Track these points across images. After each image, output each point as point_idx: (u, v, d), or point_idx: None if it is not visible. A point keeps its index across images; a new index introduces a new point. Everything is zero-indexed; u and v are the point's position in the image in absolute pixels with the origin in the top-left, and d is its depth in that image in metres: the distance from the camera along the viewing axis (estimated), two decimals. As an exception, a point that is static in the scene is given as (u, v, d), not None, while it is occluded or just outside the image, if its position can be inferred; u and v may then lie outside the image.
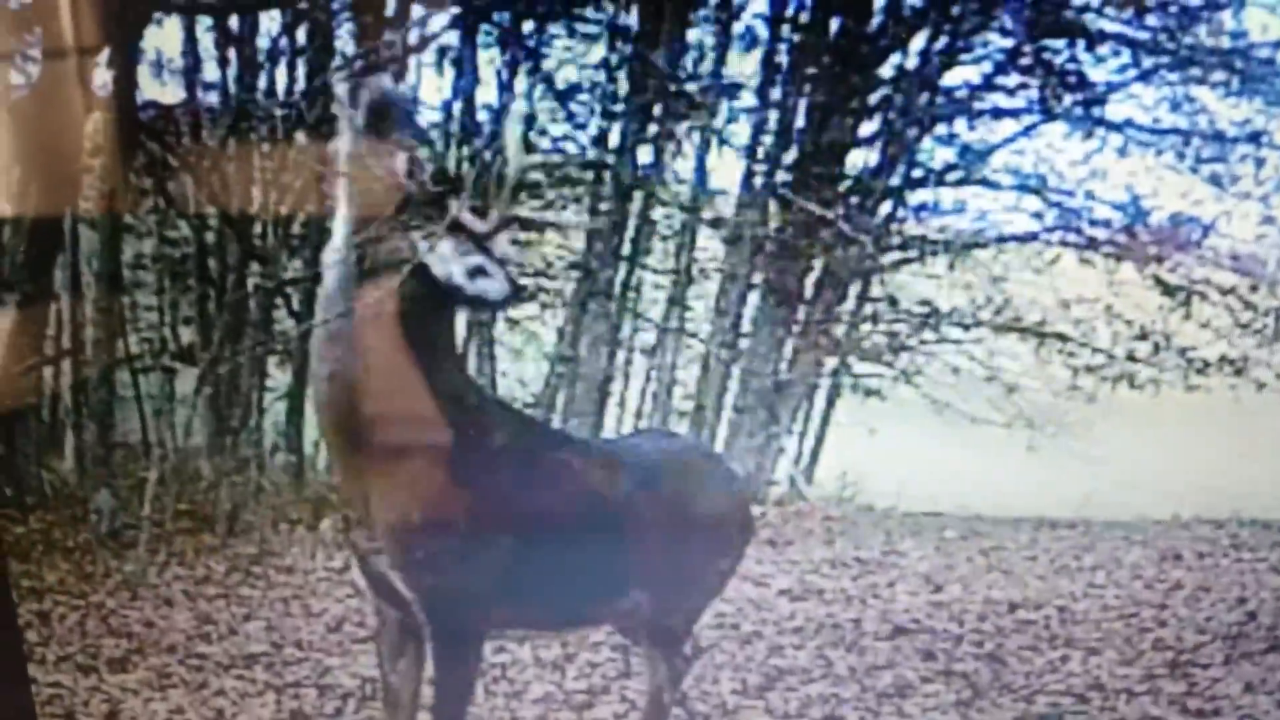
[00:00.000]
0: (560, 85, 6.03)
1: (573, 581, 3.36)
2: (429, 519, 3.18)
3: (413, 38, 5.70)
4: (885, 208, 6.38)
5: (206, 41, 5.65)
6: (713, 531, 3.65)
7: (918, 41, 6.19)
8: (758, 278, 6.23)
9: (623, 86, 5.98)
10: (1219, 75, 6.16)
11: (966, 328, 6.44)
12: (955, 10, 6.16)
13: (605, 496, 3.48)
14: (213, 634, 4.76)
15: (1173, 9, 6.15)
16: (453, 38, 5.79)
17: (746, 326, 6.25)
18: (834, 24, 6.10)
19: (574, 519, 3.37)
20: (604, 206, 5.98)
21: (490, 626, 3.56)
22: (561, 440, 4.39)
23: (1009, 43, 6.23)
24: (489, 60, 5.93)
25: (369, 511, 3.21)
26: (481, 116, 5.87)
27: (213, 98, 5.68)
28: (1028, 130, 6.33)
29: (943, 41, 6.21)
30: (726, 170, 6.21)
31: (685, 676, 3.85)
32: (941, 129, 6.36)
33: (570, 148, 6.09)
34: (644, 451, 3.98)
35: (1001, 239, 6.42)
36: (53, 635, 4.63)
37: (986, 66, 6.29)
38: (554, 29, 6.00)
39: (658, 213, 6.22)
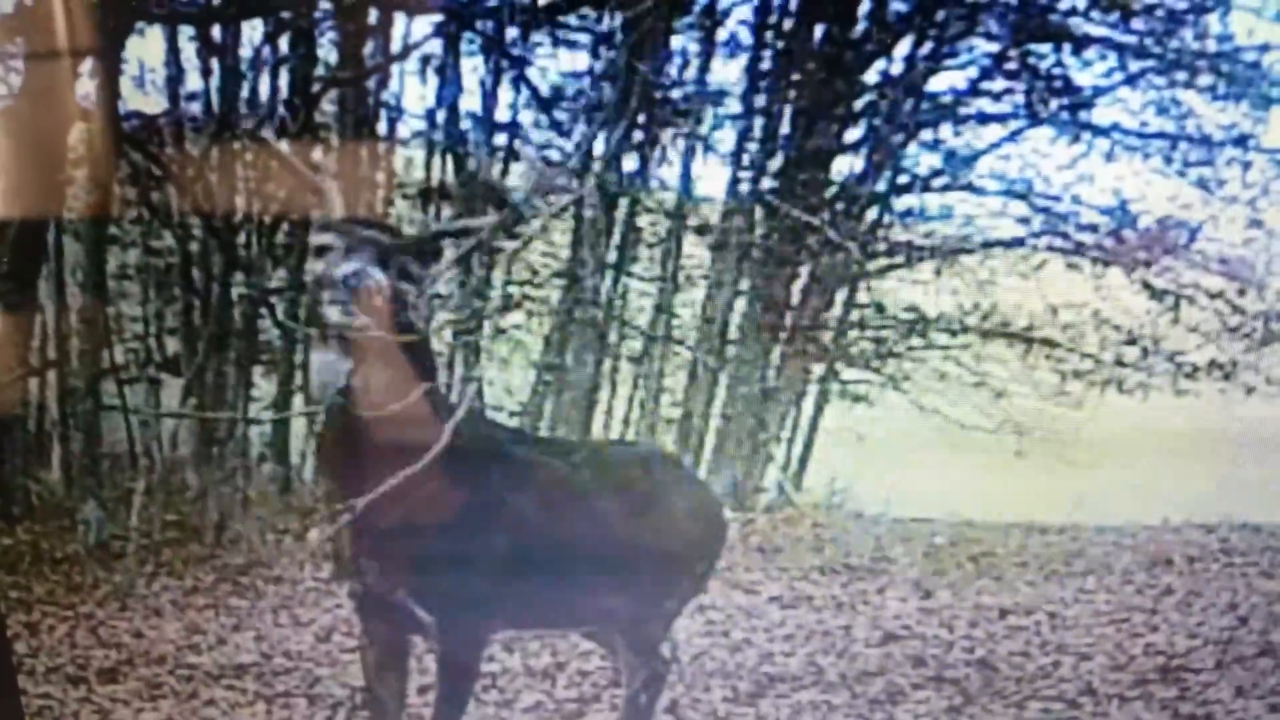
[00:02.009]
0: (544, 93, 6.05)
1: (553, 582, 3.36)
2: (436, 525, 3.17)
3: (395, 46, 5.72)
4: (871, 214, 6.40)
5: (189, 51, 5.67)
6: (680, 535, 3.64)
7: (902, 47, 6.22)
8: (744, 285, 6.23)
9: (607, 94, 5.98)
10: (1206, 79, 6.19)
11: (954, 333, 6.45)
12: (940, 15, 6.17)
13: (574, 497, 3.48)
14: (202, 644, 4.74)
15: (1159, 13, 6.17)
16: (436, 46, 5.81)
17: (734, 333, 6.25)
18: (818, 30, 6.11)
19: (551, 521, 3.37)
20: (589, 214, 5.97)
21: (490, 633, 3.57)
22: (529, 441, 4.41)
23: (994, 47, 6.26)
24: (472, 68, 5.96)
25: (380, 528, 3.18)
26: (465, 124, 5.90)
27: (195, 107, 5.68)
28: (1014, 135, 6.35)
29: (928, 47, 6.23)
30: (712, 177, 6.23)
31: (666, 680, 3.82)
32: (927, 134, 6.39)
33: (555, 155, 6.09)
34: (609, 456, 4.02)
35: (988, 244, 6.44)
36: (42, 646, 4.60)
37: (972, 71, 6.33)
38: (538, 36, 6.01)
39: (643, 220, 6.22)
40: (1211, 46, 6.14)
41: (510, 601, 3.32)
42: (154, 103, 5.67)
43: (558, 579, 3.34)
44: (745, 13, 6.08)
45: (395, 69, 5.86)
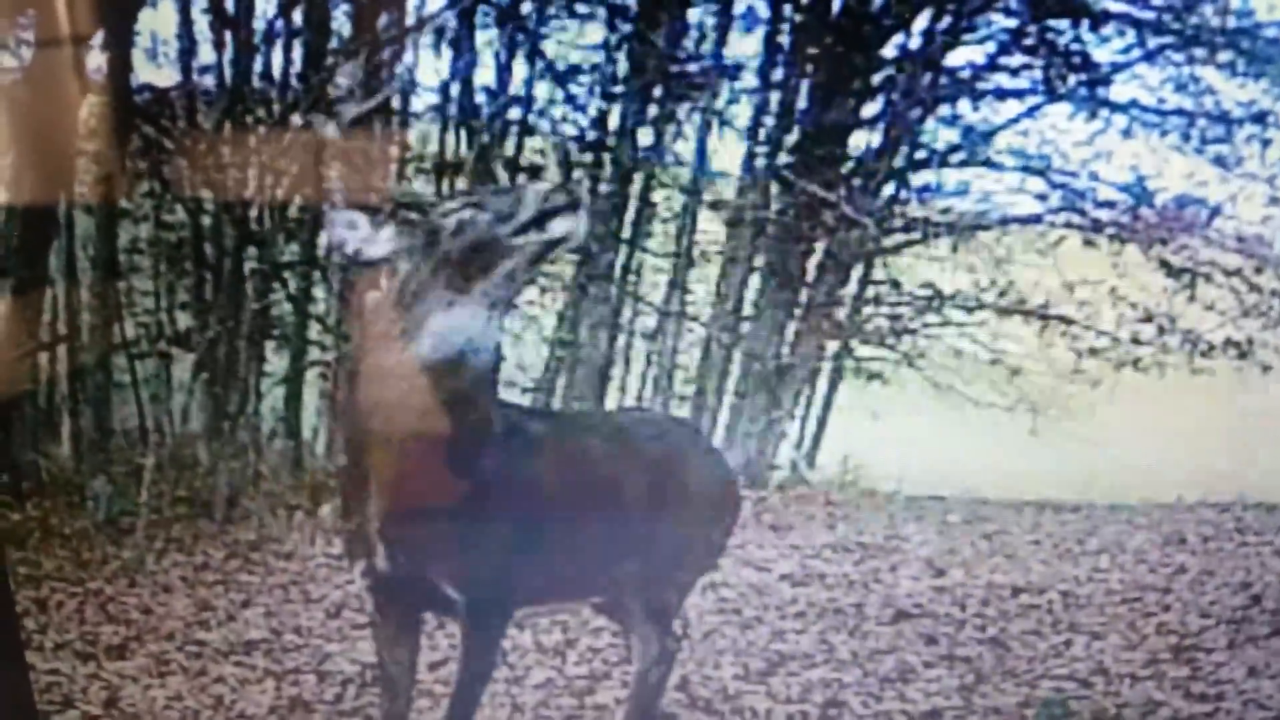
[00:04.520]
0: (559, 66, 6.02)
1: (576, 552, 3.36)
2: (462, 503, 3.16)
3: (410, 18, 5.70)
4: (888, 189, 6.36)
5: (202, 24, 5.65)
6: (695, 499, 3.65)
7: (921, 21, 6.18)
8: (759, 260, 6.22)
9: (622, 67, 5.96)
10: (1225, 55, 6.14)
11: (970, 310, 6.42)
12: (958, -11, 6.15)
13: (592, 464, 3.49)
14: (211, 621, 4.73)
15: (1178, -13, 6.14)
16: (450, 18, 5.78)
17: (748, 310, 6.24)
18: (836, 3, 6.08)
19: (573, 490, 3.37)
20: (604, 189, 5.96)
21: (516, 606, 3.57)
22: (536, 413, 4.42)
23: (1013, 22, 6.22)
24: (486, 41, 5.94)
25: (407, 507, 3.17)
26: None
27: (208, 80, 5.66)
28: (1031, 111, 6.31)
29: (946, 21, 6.19)
30: (728, 152, 6.20)
31: (675, 657, 3.82)
32: (945, 110, 6.35)
33: (569, 130, 6.08)
34: (620, 422, 4.06)
35: (1005, 221, 6.41)
36: (50, 622, 4.60)
37: (990, 46, 6.28)
38: (552, 9, 5.98)
39: (658, 195, 6.21)
40: (1231, 22, 6.09)
41: (534, 575, 3.31)
42: (166, 76, 5.67)
43: (579, 549, 3.35)
44: (762, -15, 6.06)
45: (409, 42, 5.85)
